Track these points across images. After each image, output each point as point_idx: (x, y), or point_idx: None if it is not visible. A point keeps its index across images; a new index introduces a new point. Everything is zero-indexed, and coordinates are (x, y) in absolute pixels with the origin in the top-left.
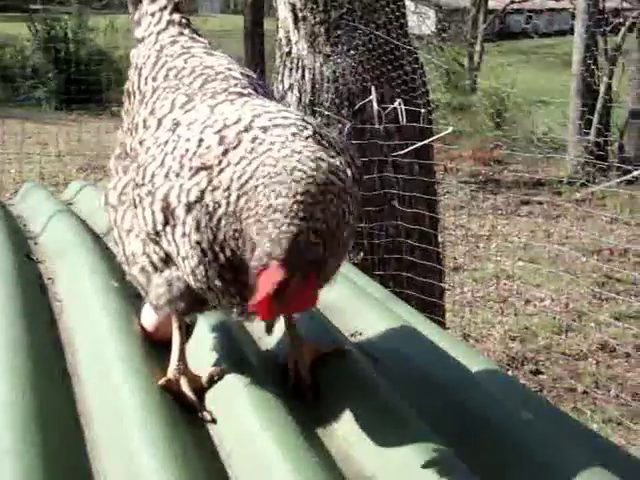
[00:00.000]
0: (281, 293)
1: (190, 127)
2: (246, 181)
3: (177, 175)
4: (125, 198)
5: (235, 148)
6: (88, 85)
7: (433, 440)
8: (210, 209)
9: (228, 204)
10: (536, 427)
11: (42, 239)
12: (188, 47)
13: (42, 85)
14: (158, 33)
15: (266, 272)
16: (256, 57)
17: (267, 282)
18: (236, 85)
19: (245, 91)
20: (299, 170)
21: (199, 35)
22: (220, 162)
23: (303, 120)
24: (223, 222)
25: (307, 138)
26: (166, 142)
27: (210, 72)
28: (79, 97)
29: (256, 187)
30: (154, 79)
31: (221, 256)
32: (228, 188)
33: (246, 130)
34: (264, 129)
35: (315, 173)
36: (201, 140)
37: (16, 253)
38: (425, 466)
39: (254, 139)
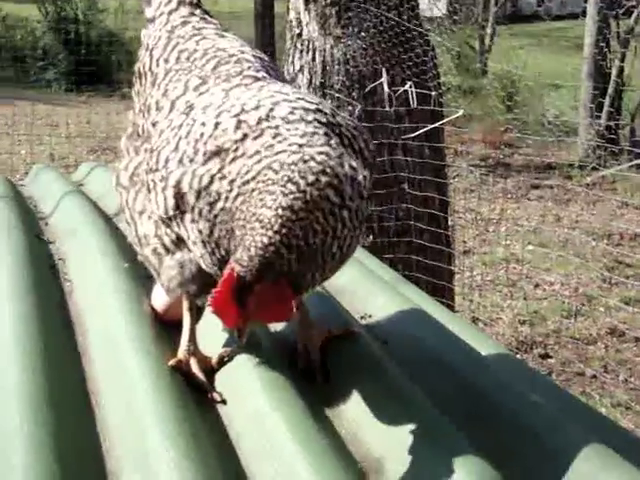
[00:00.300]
0: (243, 299)
1: (205, 111)
2: (248, 181)
3: (191, 160)
4: (137, 179)
5: (256, 138)
6: (98, 67)
7: (442, 422)
8: (211, 199)
9: (227, 199)
10: (545, 410)
11: (53, 220)
12: (199, 28)
13: (52, 67)
14: (169, 13)
15: (228, 275)
16: (266, 39)
17: (225, 285)
18: (249, 68)
19: (259, 74)
20: (294, 183)
21: (210, 16)
22: (237, 148)
23: (317, 109)
24: (219, 218)
25: (326, 134)
26: (180, 125)
27: (223, 54)
28: (89, 79)
29: (253, 190)
30: (166, 61)
31: (217, 253)
32: (232, 182)
33: (267, 119)
34: (287, 121)
35: (308, 188)
36: (217, 124)
37: (27, 233)
38: (433, 448)
39: (275, 135)
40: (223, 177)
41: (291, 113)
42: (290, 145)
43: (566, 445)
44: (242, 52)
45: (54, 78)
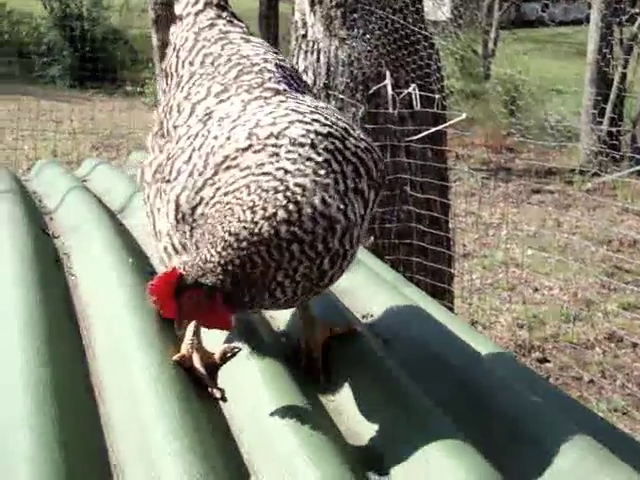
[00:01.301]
0: (180, 297)
1: (221, 123)
2: (228, 192)
3: (200, 174)
4: (158, 176)
5: (256, 152)
6: (102, 64)
7: (441, 420)
8: (194, 203)
9: (207, 204)
10: (544, 411)
11: (57, 215)
12: (226, 32)
13: (56, 63)
14: (196, 14)
15: (172, 270)
16: (270, 39)
17: (164, 278)
18: (270, 79)
19: (280, 87)
20: (252, 211)
21: (237, 19)
22: (235, 157)
23: (329, 133)
24: (197, 222)
25: (321, 163)
26: (196, 135)
27: (246, 63)
28: (93, 75)
29: (227, 204)
30: (191, 64)
31: None
32: (218, 189)
33: (277, 136)
34: (293, 143)
35: (261, 222)
36: (229, 137)
37: (32, 228)
38: (433, 446)
39: (273, 154)
40: (213, 184)
41: (303, 136)
42: (277, 170)
43: (564, 445)
44: (265, 60)
45: (58, 74)
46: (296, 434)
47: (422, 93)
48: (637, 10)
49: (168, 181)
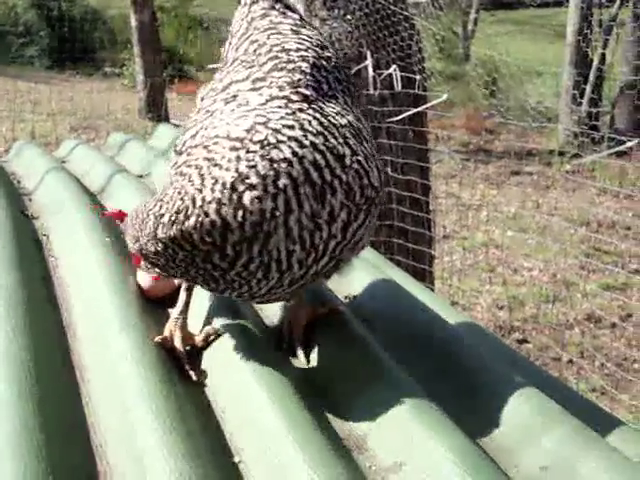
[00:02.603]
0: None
1: (233, 111)
2: (184, 173)
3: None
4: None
5: (233, 150)
6: (80, 45)
7: (424, 399)
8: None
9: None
10: (524, 388)
11: (36, 196)
12: (277, 23)
13: (34, 44)
14: (251, 4)
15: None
16: None
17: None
18: (300, 81)
19: (308, 91)
20: (170, 206)
21: (291, 10)
22: (216, 143)
23: (317, 166)
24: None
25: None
26: (213, 112)
27: (283, 57)
28: (71, 56)
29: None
30: (236, 50)
31: None
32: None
33: (264, 146)
34: (271, 165)
35: (165, 221)
36: (229, 128)
37: (11, 209)
38: (415, 425)
39: (239, 159)
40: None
41: (283, 160)
42: (214, 180)
43: (547, 425)
44: (302, 59)
45: (36, 55)
46: (279, 415)
47: (403, 74)
48: None
49: (180, 153)
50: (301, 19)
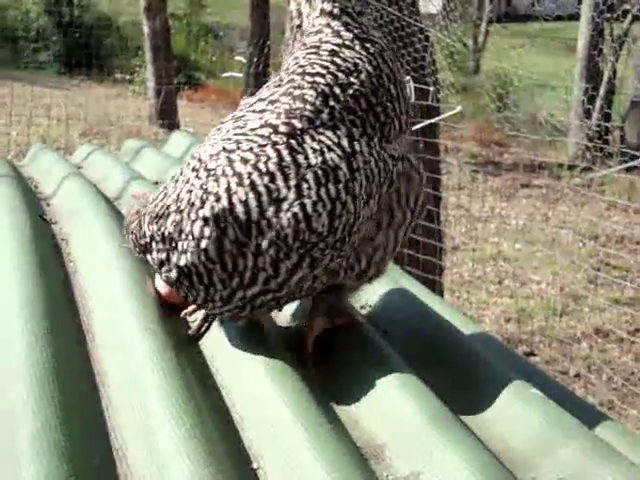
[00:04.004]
0: None
1: (228, 132)
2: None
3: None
4: None
5: (195, 170)
6: (92, 51)
7: (442, 410)
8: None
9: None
10: (541, 399)
11: (55, 200)
12: (325, 41)
13: (46, 49)
14: (314, 18)
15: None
16: (263, 28)
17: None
18: (297, 110)
19: (299, 123)
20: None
21: (349, 29)
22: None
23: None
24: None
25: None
26: (219, 129)
27: (296, 81)
28: (83, 62)
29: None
30: (282, 65)
31: None
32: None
33: (210, 175)
34: (228, 191)
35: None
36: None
37: (30, 214)
38: (434, 437)
39: (202, 179)
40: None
41: (214, 194)
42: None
43: (563, 437)
44: (312, 85)
45: (47, 60)
46: (298, 423)
47: (416, 85)
48: (628, 7)
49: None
50: (360, 34)
